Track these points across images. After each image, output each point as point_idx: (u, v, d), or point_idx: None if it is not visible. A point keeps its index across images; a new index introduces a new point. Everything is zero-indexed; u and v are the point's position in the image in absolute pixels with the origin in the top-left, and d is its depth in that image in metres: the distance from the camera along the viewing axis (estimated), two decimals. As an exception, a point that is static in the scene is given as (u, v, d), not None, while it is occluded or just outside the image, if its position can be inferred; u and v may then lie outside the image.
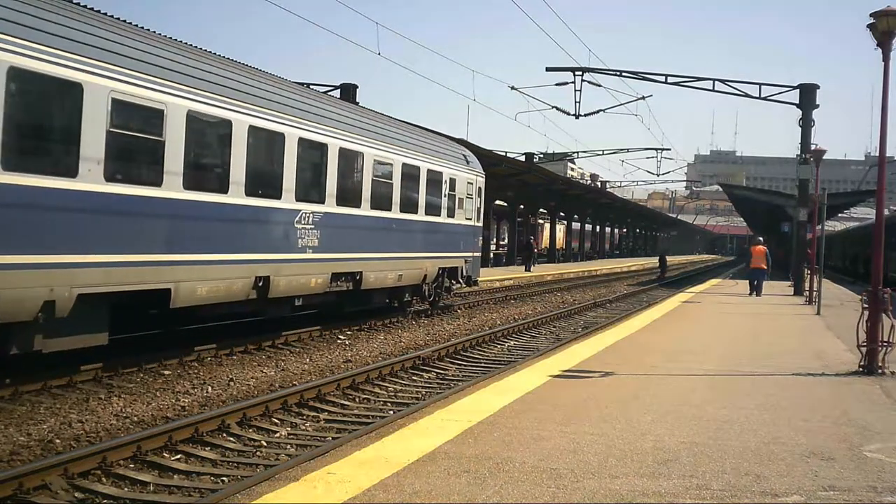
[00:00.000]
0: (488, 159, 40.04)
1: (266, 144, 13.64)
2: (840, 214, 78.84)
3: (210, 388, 11.33)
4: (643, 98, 39.96)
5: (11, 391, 9.95)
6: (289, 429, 9.65)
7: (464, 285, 23.12)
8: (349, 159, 16.08)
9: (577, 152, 68.70)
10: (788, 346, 14.93)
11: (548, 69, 34.50)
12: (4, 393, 9.86)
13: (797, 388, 10.48)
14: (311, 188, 14.82)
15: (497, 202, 52.45)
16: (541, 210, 66.23)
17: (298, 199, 14.28)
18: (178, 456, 8.28)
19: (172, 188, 11.33)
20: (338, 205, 15.62)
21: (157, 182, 11.09)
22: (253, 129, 13.07)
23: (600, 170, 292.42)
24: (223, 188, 12.48)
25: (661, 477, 6.24)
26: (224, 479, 7.73)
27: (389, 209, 17.74)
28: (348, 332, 17.15)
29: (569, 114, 36.54)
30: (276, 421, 9.86)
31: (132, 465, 7.82)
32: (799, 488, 6.08)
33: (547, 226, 75.73)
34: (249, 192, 12.99)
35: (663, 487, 5.98)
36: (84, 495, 7.04)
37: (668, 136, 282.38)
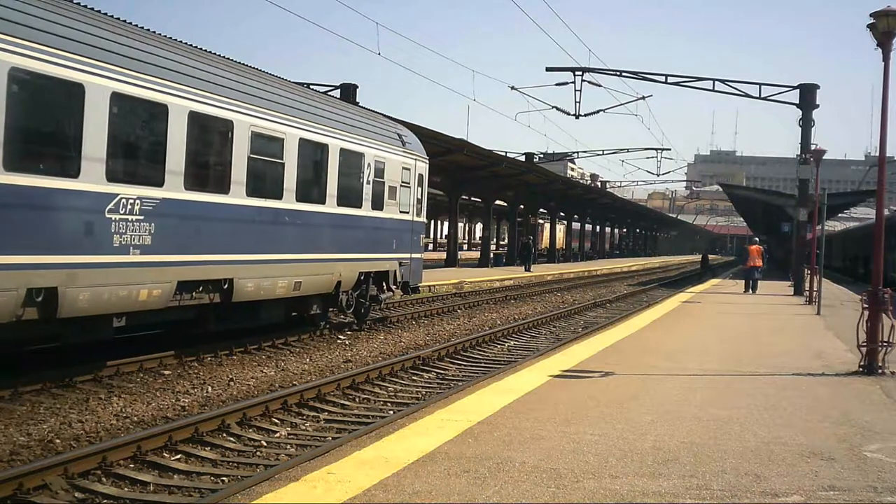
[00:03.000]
0: (489, 159, 40.18)
1: (53, 97, 9.77)
2: (840, 214, 78.86)
3: (210, 388, 11.33)
4: (643, 98, 40.05)
5: (11, 391, 9.94)
6: (289, 429, 9.65)
7: (397, 293, 19.24)
8: (207, 130, 12.25)
9: (577, 152, 68.76)
10: (788, 346, 14.94)
11: (548, 69, 34.56)
12: (4, 393, 9.85)
13: (797, 388, 10.49)
14: (138, 165, 11.08)
15: (497, 202, 52.57)
16: (541, 210, 66.29)
17: (113, 178, 10.32)
18: (178, 456, 8.28)
19: None
20: (188, 189, 11.66)
21: None
22: (18, 73, 9.05)
23: (600, 170, 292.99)
24: None
25: (661, 477, 6.24)
26: (224, 479, 7.73)
27: (279, 197, 13.87)
28: (348, 333, 17.16)
29: (569, 114, 36.60)
30: (276, 421, 9.86)
31: (132, 465, 7.82)
32: (799, 488, 6.08)
33: (547, 226, 75.81)
34: (14, 165, 9.03)
35: (663, 487, 5.98)
36: (84, 495, 7.03)
37: (668, 136, 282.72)
